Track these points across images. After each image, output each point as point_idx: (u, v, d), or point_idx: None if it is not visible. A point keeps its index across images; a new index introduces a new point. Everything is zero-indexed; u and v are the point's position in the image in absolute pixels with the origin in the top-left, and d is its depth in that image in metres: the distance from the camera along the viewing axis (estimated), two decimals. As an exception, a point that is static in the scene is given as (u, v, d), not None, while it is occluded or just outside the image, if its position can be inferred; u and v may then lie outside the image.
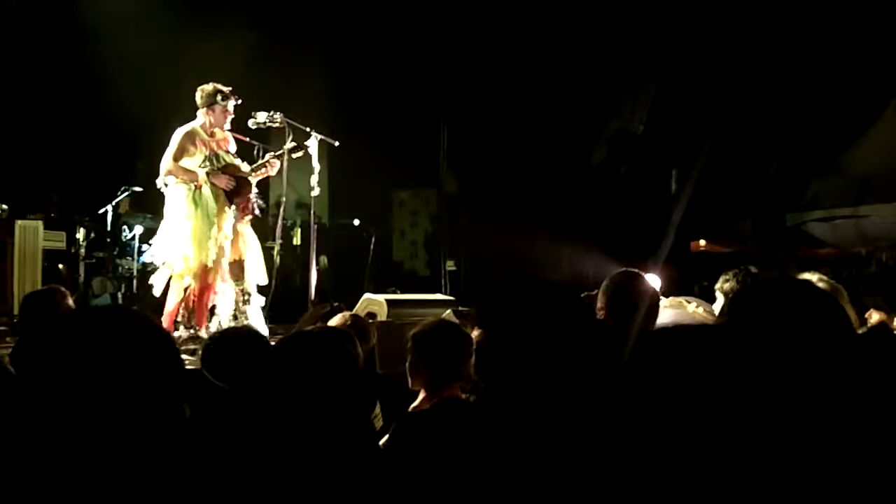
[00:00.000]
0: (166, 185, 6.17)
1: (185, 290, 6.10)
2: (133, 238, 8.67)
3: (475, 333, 3.21)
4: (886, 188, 10.04)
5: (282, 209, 6.79)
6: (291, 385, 2.03)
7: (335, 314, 4.47)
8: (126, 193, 8.91)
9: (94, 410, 1.26)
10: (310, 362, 2.06)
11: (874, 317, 4.72)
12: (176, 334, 5.91)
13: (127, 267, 8.78)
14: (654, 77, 10.21)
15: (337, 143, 6.59)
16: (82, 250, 8.71)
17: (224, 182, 6.15)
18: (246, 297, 6.21)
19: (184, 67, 9.19)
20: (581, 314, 1.94)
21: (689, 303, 3.64)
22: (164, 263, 6.20)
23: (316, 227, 6.67)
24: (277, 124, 6.31)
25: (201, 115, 6.24)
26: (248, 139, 6.52)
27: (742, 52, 9.72)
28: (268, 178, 6.55)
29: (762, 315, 1.52)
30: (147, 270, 8.66)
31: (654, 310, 2.99)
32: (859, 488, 1.34)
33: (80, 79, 9.75)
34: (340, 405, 2.05)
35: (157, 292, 6.22)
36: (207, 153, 6.18)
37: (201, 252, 6.05)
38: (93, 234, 8.89)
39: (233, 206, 6.21)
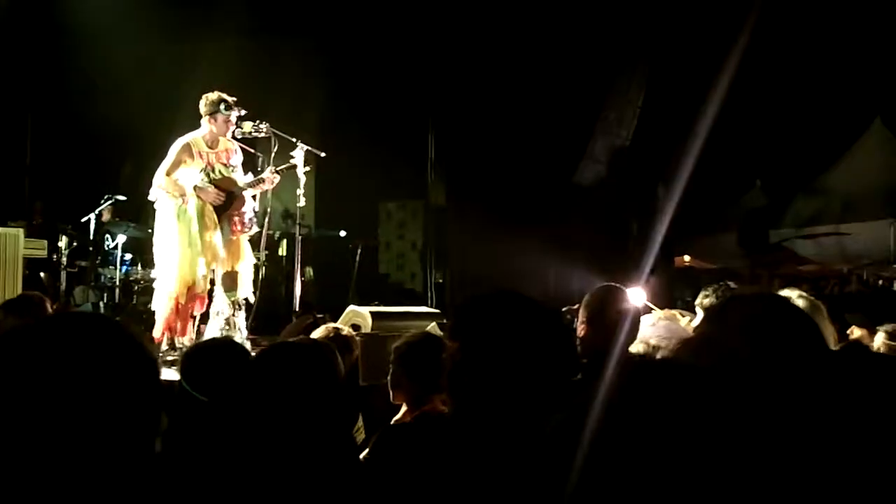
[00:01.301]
0: (156, 198, 6.16)
1: (175, 300, 6.11)
2: (116, 247, 8.61)
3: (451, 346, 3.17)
4: (868, 207, 10.11)
5: (267, 219, 6.77)
6: (271, 396, 2.01)
7: (319, 325, 4.46)
8: (109, 202, 8.86)
9: (61, 421, 1.24)
10: (290, 373, 2.04)
11: (856, 333, 4.75)
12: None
13: (109, 276, 8.71)
14: (642, 91, 10.28)
15: (323, 154, 6.59)
16: (64, 259, 8.65)
17: (212, 197, 6.14)
18: (237, 309, 6.21)
19: (171, 77, 9.19)
20: (556, 329, 1.94)
21: (684, 316, 3.65)
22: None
23: (301, 238, 6.65)
24: (263, 134, 6.30)
25: (204, 123, 6.22)
26: (252, 150, 6.52)
27: (728, 69, 9.80)
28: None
29: (736, 330, 1.52)
30: (129, 280, 8.64)
31: (635, 324, 2.99)
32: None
33: (66, 87, 9.73)
34: (321, 417, 2.04)
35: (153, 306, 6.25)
36: (203, 165, 6.17)
37: (182, 265, 6.06)
38: (75, 243, 8.83)
39: (223, 221, 6.21)
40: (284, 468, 1.94)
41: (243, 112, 6.22)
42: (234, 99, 6.20)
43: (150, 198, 6.21)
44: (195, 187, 6.09)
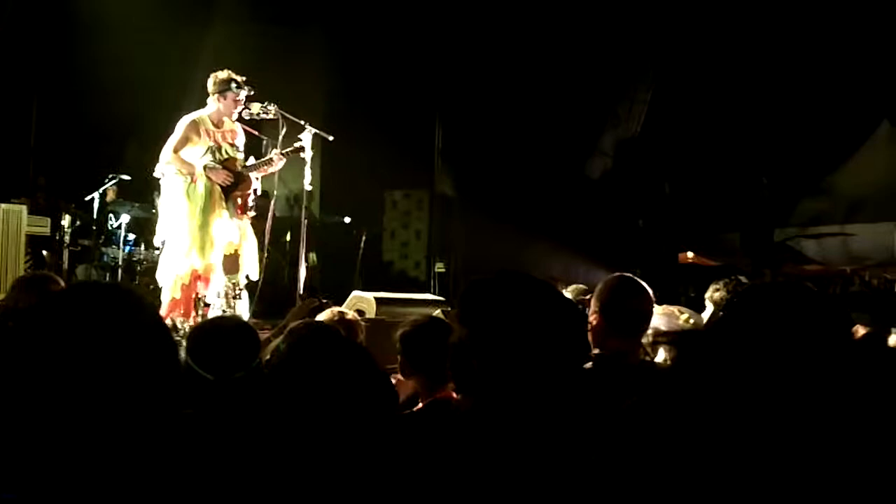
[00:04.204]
0: (163, 174, 6.13)
1: (181, 281, 6.09)
2: (119, 227, 8.58)
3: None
4: (874, 208, 10.11)
5: (272, 204, 6.74)
6: (301, 383, 1.96)
7: (323, 310, 4.43)
8: (113, 181, 8.83)
9: (86, 390, 1.22)
10: (327, 361, 1.99)
11: (860, 332, 4.73)
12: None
13: (112, 256, 8.70)
14: (650, 87, 10.25)
15: (331, 138, 6.55)
16: (67, 237, 8.62)
17: (221, 177, 6.12)
18: (237, 292, 6.18)
19: (177, 59, 9.15)
20: (565, 309, 1.91)
21: (682, 313, 3.62)
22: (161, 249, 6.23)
23: (306, 222, 6.63)
24: (271, 116, 6.26)
25: (212, 102, 6.19)
26: (257, 133, 6.49)
27: (737, 67, 9.78)
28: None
29: (759, 318, 1.49)
30: (132, 260, 8.62)
31: (648, 315, 2.96)
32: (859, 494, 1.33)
33: (72, 67, 9.68)
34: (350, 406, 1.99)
35: (160, 282, 6.22)
36: (211, 144, 6.13)
37: (190, 246, 6.04)
38: (78, 222, 8.80)
39: (229, 202, 6.19)
40: (295, 452, 1.90)
41: (252, 92, 6.19)
42: (244, 78, 6.18)
43: (156, 174, 6.18)
44: (205, 167, 6.07)
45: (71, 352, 1.23)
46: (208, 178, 6.08)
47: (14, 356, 1.24)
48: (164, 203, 6.21)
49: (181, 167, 6.06)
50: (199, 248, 6.04)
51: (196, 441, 1.81)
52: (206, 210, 6.07)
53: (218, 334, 2.77)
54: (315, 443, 1.75)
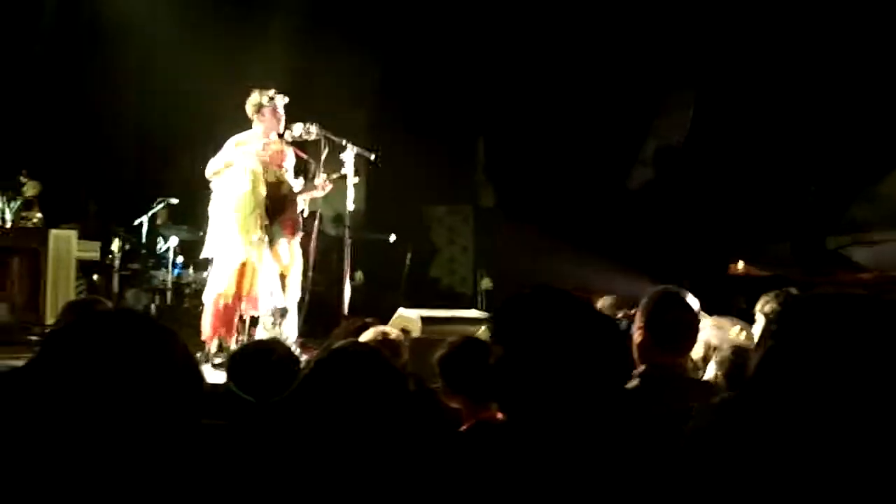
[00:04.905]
0: (212, 187, 6.18)
1: (220, 299, 6.11)
2: (168, 250, 8.68)
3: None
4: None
5: (317, 223, 6.75)
6: (335, 403, 1.94)
7: (367, 329, 4.42)
8: (162, 205, 8.93)
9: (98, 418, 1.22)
10: (357, 379, 1.97)
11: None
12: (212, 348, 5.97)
13: (161, 279, 8.78)
14: (693, 97, 10.15)
15: (374, 157, 6.53)
16: (116, 261, 8.73)
17: (263, 196, 6.12)
18: (282, 313, 6.19)
19: (223, 79, 9.27)
20: (600, 324, 1.87)
21: (734, 325, 3.53)
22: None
23: (350, 241, 6.63)
24: (314, 137, 6.28)
25: (255, 125, 6.24)
26: (305, 157, 6.50)
27: (783, 74, 9.64)
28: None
29: (816, 332, 1.42)
30: (181, 283, 8.70)
31: (695, 330, 2.89)
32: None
33: (121, 89, 9.88)
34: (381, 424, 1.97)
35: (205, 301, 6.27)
36: (256, 165, 6.15)
37: (232, 265, 6.06)
38: (128, 246, 8.92)
39: (277, 225, 6.20)
40: (335, 475, 1.88)
41: (286, 99, 6.21)
42: (273, 91, 6.19)
43: (207, 177, 6.21)
44: (251, 182, 6.06)
45: (80, 379, 1.24)
46: (254, 195, 6.05)
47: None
48: (213, 211, 6.23)
49: (224, 168, 6.10)
50: (246, 234, 6.00)
51: (234, 463, 1.80)
52: (251, 227, 6.05)
53: (259, 358, 2.78)
54: (332, 463, 1.72)
